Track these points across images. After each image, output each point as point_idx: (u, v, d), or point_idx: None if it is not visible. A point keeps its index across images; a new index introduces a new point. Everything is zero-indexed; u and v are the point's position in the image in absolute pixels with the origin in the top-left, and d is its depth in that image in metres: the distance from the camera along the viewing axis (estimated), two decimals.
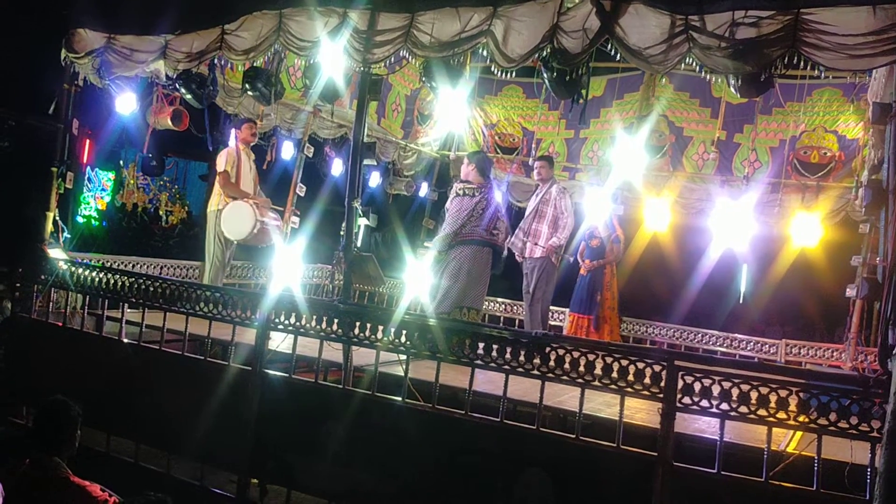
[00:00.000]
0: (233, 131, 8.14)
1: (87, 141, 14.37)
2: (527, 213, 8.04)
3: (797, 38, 4.02)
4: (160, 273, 7.76)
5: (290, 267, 8.08)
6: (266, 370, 5.11)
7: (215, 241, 7.78)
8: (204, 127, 8.04)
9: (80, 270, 6.00)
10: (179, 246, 15.61)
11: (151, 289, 5.62)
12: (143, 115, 8.21)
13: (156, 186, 18.24)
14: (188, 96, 6.82)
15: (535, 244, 7.74)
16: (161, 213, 18.05)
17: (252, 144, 8.20)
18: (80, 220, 16.57)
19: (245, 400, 5.06)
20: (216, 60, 6.50)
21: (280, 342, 5.26)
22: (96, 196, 18.04)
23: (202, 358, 5.45)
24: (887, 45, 3.85)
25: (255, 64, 6.43)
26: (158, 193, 18.32)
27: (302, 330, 5.05)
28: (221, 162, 7.85)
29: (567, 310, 9.39)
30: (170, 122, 8.16)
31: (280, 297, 5.23)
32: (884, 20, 3.84)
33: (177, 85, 6.72)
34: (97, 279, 5.86)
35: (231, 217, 7.65)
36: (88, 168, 16.92)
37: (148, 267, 7.73)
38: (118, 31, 6.38)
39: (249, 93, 6.69)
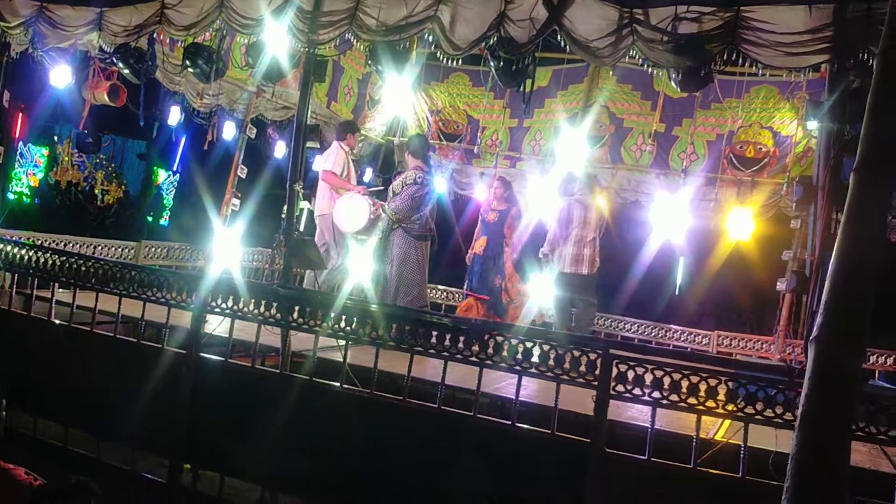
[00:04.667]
0: (335, 141, 8.10)
1: (20, 115, 13.89)
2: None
3: (736, 35, 4.12)
4: (94, 253, 7.52)
5: (229, 250, 7.94)
6: (202, 354, 5.01)
7: (333, 243, 7.67)
8: (140, 103, 7.82)
9: (9, 248, 5.77)
10: (115, 226, 15.21)
11: (83, 269, 5.45)
12: (78, 89, 7.97)
13: (91, 164, 17.73)
14: (125, 71, 6.63)
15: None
16: (97, 191, 17.57)
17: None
18: (10, 196, 16.02)
19: (179, 384, 4.95)
20: (156, 35, 6.32)
21: (217, 326, 5.17)
22: (28, 172, 17.46)
23: (135, 340, 5.31)
24: (822, 44, 3.97)
25: (196, 40, 6.27)
26: (94, 171, 17.82)
27: (240, 314, 4.96)
28: (331, 161, 7.76)
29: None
30: (106, 98, 7.93)
31: (218, 279, 5.13)
32: (819, 19, 3.97)
33: (114, 59, 6.51)
34: (26, 257, 5.66)
35: (346, 210, 7.49)
36: (21, 143, 16.36)
37: (81, 246, 7.47)
38: None
39: (190, 69, 6.53)
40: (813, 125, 4.70)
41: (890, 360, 8.40)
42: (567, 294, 7.83)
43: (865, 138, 3.05)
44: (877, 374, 8.22)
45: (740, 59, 4.23)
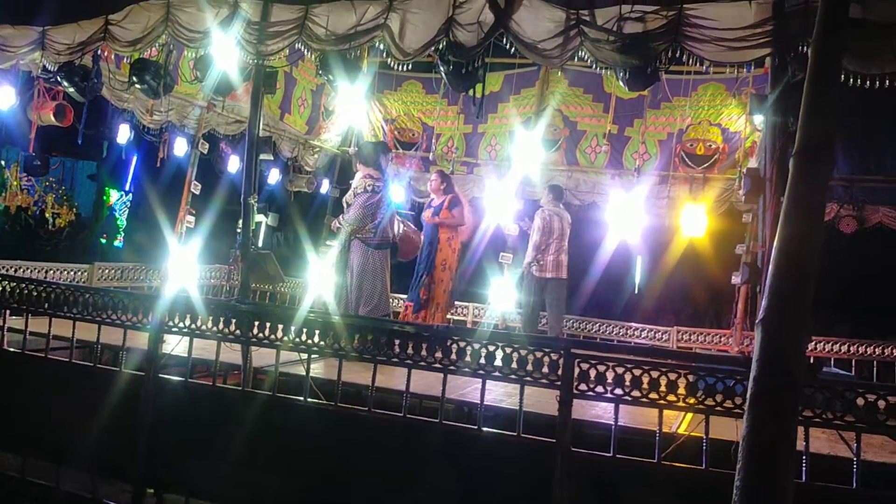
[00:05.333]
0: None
1: None
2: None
3: (680, 33, 4.20)
4: (46, 277, 7.34)
5: (185, 268, 7.82)
6: (160, 375, 4.92)
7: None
8: (89, 122, 7.67)
9: None
10: (68, 250, 14.88)
11: (35, 293, 5.32)
12: (23, 110, 7.78)
13: (41, 187, 17.31)
14: (71, 90, 6.49)
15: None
16: (48, 215, 17.17)
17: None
18: None
19: (139, 407, 4.85)
20: (100, 52, 6.21)
21: (175, 345, 5.08)
22: None
23: (91, 365, 5.19)
24: (763, 38, 4.07)
25: (143, 55, 6.17)
26: (44, 195, 17.40)
27: (198, 332, 4.88)
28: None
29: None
30: (53, 118, 7.75)
31: (175, 298, 5.04)
32: (759, 14, 4.06)
33: (58, 78, 6.38)
34: None
35: None
36: None
37: (33, 271, 7.30)
38: None
39: (137, 86, 6.42)
40: (759, 119, 4.81)
41: (844, 348, 8.60)
42: (540, 298, 8.21)
43: (803, 124, 3.14)
44: (832, 362, 8.42)
45: (686, 57, 4.31)
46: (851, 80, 4.00)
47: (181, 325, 4.91)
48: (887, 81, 3.96)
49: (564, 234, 8.30)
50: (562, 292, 8.32)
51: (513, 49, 4.75)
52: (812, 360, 8.03)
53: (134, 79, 6.34)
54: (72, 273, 7.81)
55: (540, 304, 8.27)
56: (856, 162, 7.83)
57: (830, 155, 3.17)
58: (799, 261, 3.08)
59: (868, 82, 4.00)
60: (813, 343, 8.56)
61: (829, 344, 8.64)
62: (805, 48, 4.03)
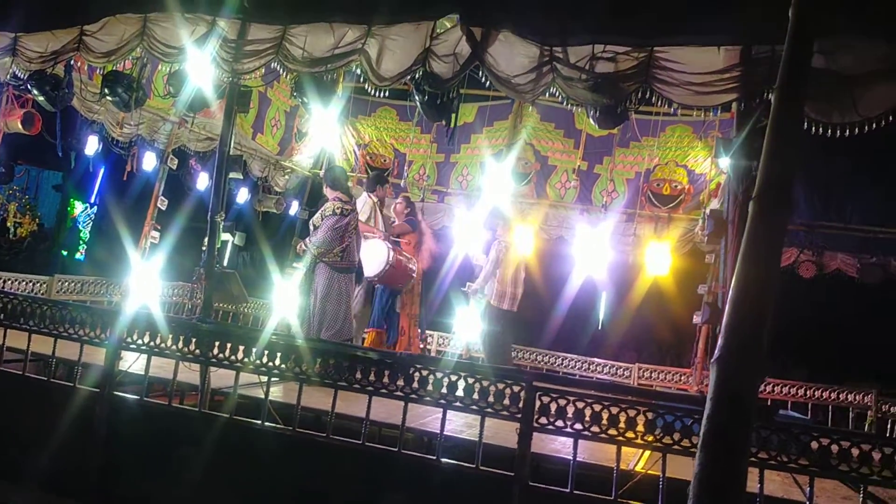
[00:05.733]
0: (364, 192, 8.23)
1: None
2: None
3: (650, 75, 4.28)
4: (3, 288, 7.17)
5: (147, 284, 7.70)
6: (116, 392, 4.82)
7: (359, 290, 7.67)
8: (56, 132, 7.57)
9: None
10: (28, 260, 14.57)
11: None
12: None
13: (3, 195, 16.96)
14: (40, 98, 6.40)
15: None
16: (9, 224, 16.80)
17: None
18: None
19: (93, 424, 4.75)
20: (73, 62, 6.15)
21: (133, 363, 4.98)
22: None
23: (45, 379, 5.07)
24: (730, 84, 4.17)
25: (116, 68, 6.12)
26: (6, 203, 17.04)
27: (157, 350, 4.80)
28: (359, 210, 7.69)
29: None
30: (20, 126, 7.64)
31: (134, 315, 4.96)
32: (727, 60, 4.16)
33: (28, 86, 6.29)
34: None
35: (367, 253, 7.62)
36: None
37: None
38: None
39: (109, 98, 6.35)
40: (724, 162, 4.90)
41: (800, 392, 8.72)
42: (499, 328, 8.13)
43: (763, 169, 3.21)
44: (788, 405, 8.54)
45: (655, 99, 4.39)
46: (813, 127, 4.10)
47: (140, 342, 4.83)
48: (847, 130, 4.07)
49: (511, 263, 8.16)
50: (515, 325, 8.34)
51: (487, 82, 4.80)
52: (769, 403, 8.14)
53: (106, 91, 6.28)
54: (31, 284, 7.65)
55: (500, 334, 8.17)
56: (817, 208, 8.01)
57: (789, 200, 3.24)
58: (755, 301, 3.14)
59: (829, 130, 4.10)
60: (770, 386, 8.68)
61: (786, 388, 8.76)
62: (770, 95, 4.14)
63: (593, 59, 4.38)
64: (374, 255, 7.67)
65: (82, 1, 5.60)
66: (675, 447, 3.83)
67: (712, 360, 3.16)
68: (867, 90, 3.96)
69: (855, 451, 3.68)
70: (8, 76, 6.20)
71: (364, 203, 8.00)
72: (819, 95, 3.95)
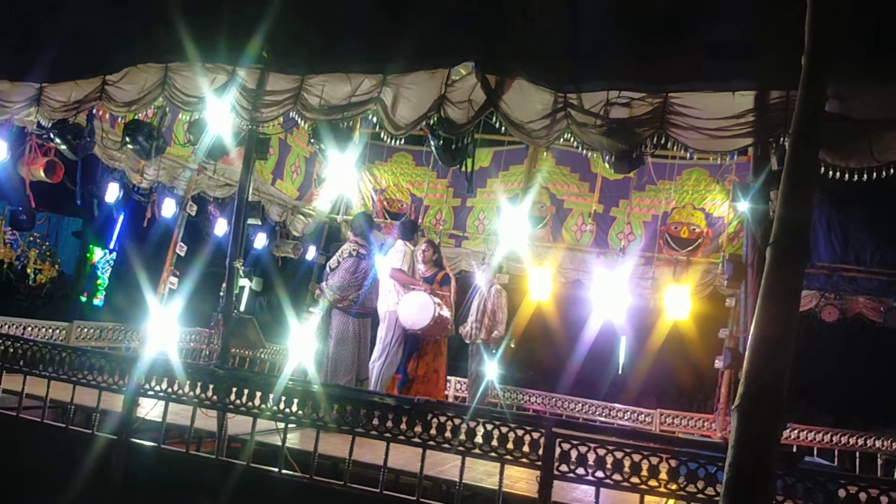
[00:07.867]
0: (399, 240, 7.95)
1: None
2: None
3: (665, 120, 4.29)
4: (23, 334, 7.20)
5: (165, 330, 7.71)
6: (133, 439, 4.80)
7: (393, 338, 7.52)
8: (77, 179, 7.69)
9: None
10: (48, 306, 14.69)
11: (11, 350, 5.25)
12: (14, 164, 7.79)
13: (24, 242, 17.16)
14: (63, 147, 6.52)
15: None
16: (29, 270, 16.96)
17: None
18: None
19: (110, 471, 4.73)
20: (95, 111, 6.27)
21: (150, 409, 4.97)
22: None
23: (63, 426, 5.07)
24: (745, 129, 4.17)
25: (137, 116, 6.23)
26: (27, 250, 17.22)
27: (174, 396, 4.80)
28: (397, 260, 7.63)
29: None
30: (43, 174, 7.77)
31: (152, 361, 4.97)
32: (743, 105, 4.16)
33: (51, 135, 6.42)
34: None
35: (410, 307, 7.40)
36: None
37: (10, 327, 7.19)
38: None
39: (129, 146, 6.45)
40: (742, 206, 4.88)
41: (826, 438, 8.53)
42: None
43: (779, 215, 3.19)
44: (814, 451, 8.34)
45: (669, 143, 4.39)
46: (830, 172, 4.08)
47: (157, 388, 4.83)
48: (865, 175, 4.04)
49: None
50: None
51: (502, 128, 4.83)
52: (794, 449, 7.97)
53: (127, 139, 6.38)
54: (50, 330, 7.70)
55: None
56: (837, 252, 7.94)
57: (806, 246, 3.22)
58: (774, 348, 3.10)
59: (847, 175, 4.08)
60: (795, 432, 8.50)
61: (812, 433, 8.58)
62: (785, 139, 4.14)
63: (608, 104, 4.40)
64: (418, 309, 7.37)
65: (105, 50, 5.71)
66: (700, 495, 3.75)
67: (733, 408, 3.11)
68: (883, 135, 3.95)
69: (884, 500, 3.58)
70: (33, 126, 6.32)
71: (400, 252, 7.81)
72: (835, 141, 3.94)
